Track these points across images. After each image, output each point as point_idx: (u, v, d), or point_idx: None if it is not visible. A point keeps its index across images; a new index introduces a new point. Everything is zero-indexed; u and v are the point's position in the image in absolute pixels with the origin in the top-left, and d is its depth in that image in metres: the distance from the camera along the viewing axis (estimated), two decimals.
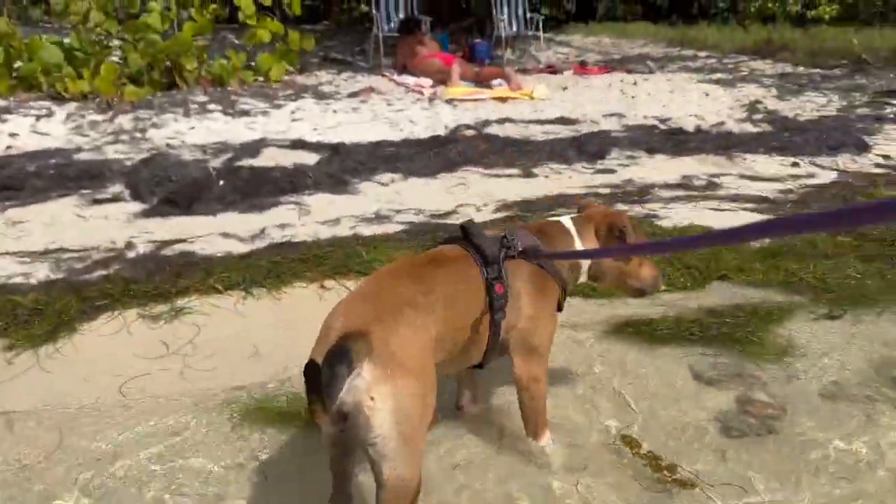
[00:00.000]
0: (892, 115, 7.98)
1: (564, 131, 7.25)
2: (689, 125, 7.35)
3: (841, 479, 2.23)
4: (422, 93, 9.42)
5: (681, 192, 5.41)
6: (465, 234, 2.06)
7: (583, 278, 2.35)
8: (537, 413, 2.21)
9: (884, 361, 2.92)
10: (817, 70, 12.26)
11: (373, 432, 1.59)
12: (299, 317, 3.36)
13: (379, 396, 1.58)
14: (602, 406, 2.58)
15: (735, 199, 5.25)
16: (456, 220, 4.69)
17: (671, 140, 6.76)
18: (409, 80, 10.18)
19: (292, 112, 8.04)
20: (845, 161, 6.24)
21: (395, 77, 10.51)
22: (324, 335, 1.68)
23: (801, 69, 12.47)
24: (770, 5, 19.88)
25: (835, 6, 19.46)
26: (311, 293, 3.55)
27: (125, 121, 7.25)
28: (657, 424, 2.49)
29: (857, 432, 2.46)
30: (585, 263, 2.30)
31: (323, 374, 1.48)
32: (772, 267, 3.82)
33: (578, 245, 2.25)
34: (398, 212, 4.85)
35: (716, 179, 5.74)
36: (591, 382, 2.76)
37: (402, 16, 11.99)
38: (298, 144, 6.38)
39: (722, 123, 7.54)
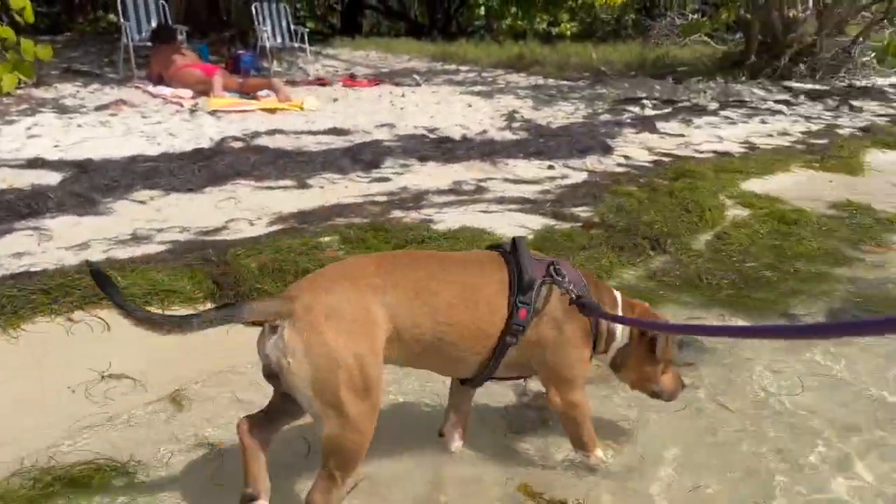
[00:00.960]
0: (629, 120, 8.92)
1: (338, 142, 7.19)
2: (456, 134, 7.65)
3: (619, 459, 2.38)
4: (181, 104, 8.85)
5: (452, 198, 5.57)
6: (513, 248, 2.03)
7: (605, 358, 2.26)
8: (582, 432, 2.21)
9: None
10: (565, 82, 13.42)
11: (295, 393, 1.73)
12: (44, 356, 2.93)
13: (293, 359, 1.69)
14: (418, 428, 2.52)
15: (501, 201, 5.51)
16: (227, 235, 4.42)
17: (440, 148, 6.97)
18: (166, 91, 9.52)
19: (28, 128, 7.14)
20: (593, 162, 6.83)
21: (150, 88, 9.77)
22: None
23: (551, 81, 13.57)
24: (519, 23, 21.51)
25: (575, 24, 21.55)
26: (56, 328, 3.11)
27: None
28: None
29: (629, 415, 2.65)
30: (614, 346, 2.19)
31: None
32: None
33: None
34: (160, 231, 4.46)
35: (483, 184, 5.98)
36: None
37: (154, 25, 11.21)
38: (36, 163, 5.66)
39: (485, 132, 7.93)
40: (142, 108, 8.56)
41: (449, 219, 4.86)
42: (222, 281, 3.53)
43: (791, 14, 14.32)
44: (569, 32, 21.26)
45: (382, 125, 8.09)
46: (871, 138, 8.28)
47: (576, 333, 2.05)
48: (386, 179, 5.98)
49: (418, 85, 12.10)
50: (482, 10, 21.85)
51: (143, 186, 5.28)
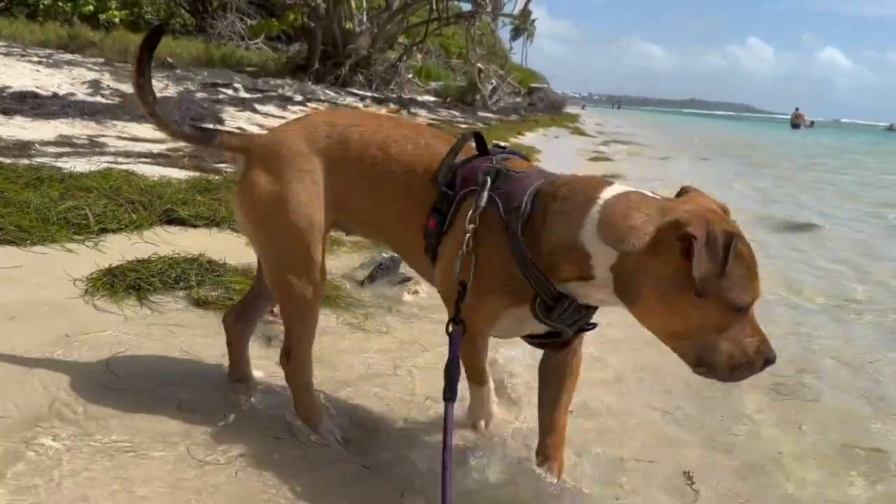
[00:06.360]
0: (226, 99, 8.76)
1: None
2: (41, 92, 6.55)
3: None
4: None
5: (67, 149, 4.81)
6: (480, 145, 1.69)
7: (594, 291, 1.45)
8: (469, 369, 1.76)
9: None
10: (126, 64, 12.46)
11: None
12: None
13: (237, 189, 1.75)
14: None
15: (129, 154, 4.97)
16: None
17: (27, 103, 5.91)
18: None
19: None
20: None
21: None
22: None
23: (118, 65, 12.45)
24: (61, 4, 19.17)
25: (125, 11, 20.03)
26: None
27: None
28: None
29: None
30: (604, 264, 1.40)
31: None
32: (213, 199, 3.75)
33: (592, 236, 1.39)
34: None
35: (97, 139, 5.30)
36: None
37: None
38: None
39: (73, 94, 6.97)
40: None
41: (80, 166, 4.18)
42: None
43: (348, 26, 15.73)
44: (117, 18, 19.66)
45: None
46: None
47: (492, 271, 1.71)
48: None
49: None
50: None
51: None
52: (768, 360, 1.38)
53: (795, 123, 41.63)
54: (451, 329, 1.55)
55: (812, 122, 48.16)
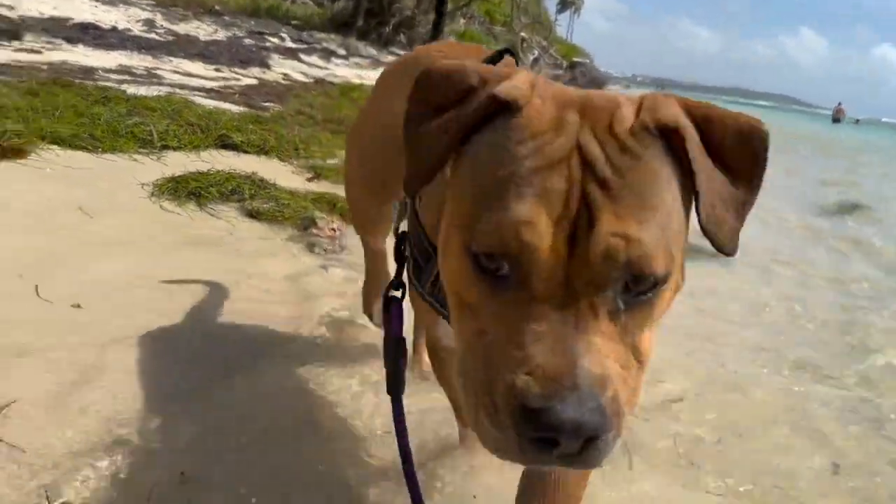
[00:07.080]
0: (272, 47, 9.00)
1: None
2: (102, 25, 6.86)
3: None
4: None
5: (127, 77, 5.11)
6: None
7: None
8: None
9: None
10: (189, 12, 12.73)
11: None
12: None
13: None
14: None
15: (184, 87, 5.22)
16: None
17: (89, 34, 6.23)
18: None
19: None
20: (256, 73, 6.82)
21: None
22: None
23: (172, 9, 12.72)
24: None
25: None
26: None
27: None
28: None
29: None
30: None
31: None
32: (264, 129, 4.01)
33: None
34: None
35: (155, 71, 5.58)
36: None
37: None
38: None
39: (130, 30, 7.27)
40: None
41: (141, 91, 4.47)
42: None
43: None
44: None
45: None
46: None
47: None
48: (37, 52, 5.16)
49: None
50: None
51: None
52: (529, 409, 0.59)
53: (836, 118, 41.00)
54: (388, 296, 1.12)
55: (857, 120, 47.28)
